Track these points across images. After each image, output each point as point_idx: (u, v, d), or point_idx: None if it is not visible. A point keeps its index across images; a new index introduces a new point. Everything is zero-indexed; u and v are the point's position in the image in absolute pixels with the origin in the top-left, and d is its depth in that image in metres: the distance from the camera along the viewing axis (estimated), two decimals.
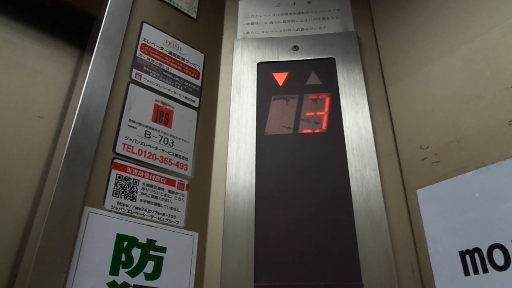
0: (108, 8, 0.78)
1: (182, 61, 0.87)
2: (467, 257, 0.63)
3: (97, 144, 0.66)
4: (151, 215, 0.69)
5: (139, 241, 0.65)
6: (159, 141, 0.76)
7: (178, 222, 0.72)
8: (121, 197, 0.66)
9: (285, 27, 0.99)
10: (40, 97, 0.84)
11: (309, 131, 0.83)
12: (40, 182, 0.76)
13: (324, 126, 0.83)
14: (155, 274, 0.65)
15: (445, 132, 0.72)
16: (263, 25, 1.00)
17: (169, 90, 0.82)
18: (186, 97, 0.84)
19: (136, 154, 0.71)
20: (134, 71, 0.78)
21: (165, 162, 0.75)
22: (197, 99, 0.86)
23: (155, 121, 0.77)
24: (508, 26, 0.69)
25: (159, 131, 0.76)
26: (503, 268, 0.58)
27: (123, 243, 0.63)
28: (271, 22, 1.00)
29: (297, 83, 0.89)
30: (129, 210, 0.66)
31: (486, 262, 0.60)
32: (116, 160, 0.68)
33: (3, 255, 0.67)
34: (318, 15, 1.00)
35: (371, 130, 0.81)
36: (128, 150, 0.71)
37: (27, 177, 0.75)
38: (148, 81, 0.79)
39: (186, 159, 0.78)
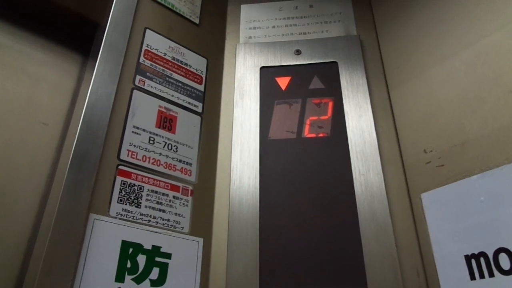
0: (112, 15, 0.79)
1: (185, 67, 0.88)
2: (473, 261, 0.62)
3: (102, 151, 0.67)
4: (156, 222, 0.69)
5: (144, 247, 0.66)
6: (163, 147, 0.76)
7: (182, 228, 0.72)
8: (126, 204, 0.67)
9: (287, 31, 0.99)
10: (44, 104, 0.84)
11: (313, 135, 0.83)
12: (44, 189, 0.76)
13: (327, 130, 0.83)
14: (160, 281, 0.65)
15: (449, 136, 0.72)
16: (266, 30, 1.00)
17: (172, 95, 0.82)
18: (189, 103, 0.84)
19: (140, 160, 0.71)
20: (138, 77, 0.78)
21: (169, 168, 0.75)
22: (200, 104, 0.86)
23: (159, 127, 0.77)
24: (511, 30, 0.68)
25: (163, 137, 0.77)
26: (509, 272, 0.58)
27: (128, 250, 0.64)
28: (273, 27, 1.00)
29: (300, 87, 0.89)
30: (134, 216, 0.67)
31: (492, 266, 0.60)
32: (120, 167, 0.69)
33: (9, 263, 0.67)
34: (320, 19, 1.00)
35: (375, 134, 0.81)
36: (133, 156, 0.71)
37: (32, 184, 0.75)
38: (151, 87, 0.79)
39: (190, 164, 0.78)
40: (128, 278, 0.62)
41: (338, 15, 1.00)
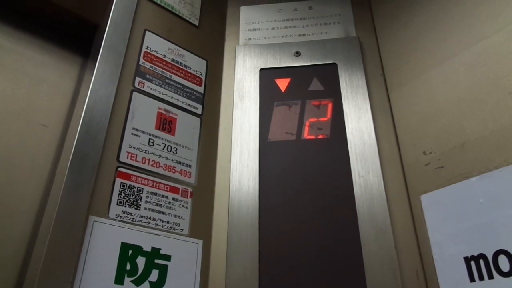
0: (111, 17, 0.79)
1: (185, 68, 0.88)
2: (472, 263, 0.62)
3: (101, 153, 0.67)
4: (155, 223, 0.69)
5: (144, 249, 0.66)
6: (163, 149, 0.76)
7: (182, 230, 0.72)
8: (125, 206, 0.67)
9: (286, 33, 0.99)
10: (44, 106, 0.84)
11: (312, 137, 0.83)
12: (44, 191, 0.76)
13: (327, 132, 0.83)
14: (160, 283, 0.65)
15: (448, 137, 0.72)
16: (265, 31, 1.00)
17: (172, 97, 0.82)
18: (189, 104, 0.84)
19: (140, 162, 0.72)
20: (137, 79, 0.78)
21: (169, 169, 0.75)
22: (200, 106, 0.86)
23: (159, 129, 0.77)
24: (511, 31, 0.68)
25: (162, 138, 0.77)
26: (509, 274, 0.58)
27: (128, 252, 0.64)
28: (273, 28, 1.00)
29: (300, 89, 0.89)
30: (133, 218, 0.67)
31: (491, 268, 0.60)
32: (120, 169, 0.69)
33: (9, 265, 0.67)
34: (320, 21, 1.00)
35: (374, 136, 0.81)
36: (132, 158, 0.71)
37: (32, 186, 0.75)
38: (151, 89, 0.79)
39: (190, 166, 0.79)
40: (127, 280, 0.62)
41: (337, 17, 1.00)
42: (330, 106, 0.86)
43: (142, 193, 0.70)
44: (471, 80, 0.72)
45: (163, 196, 0.72)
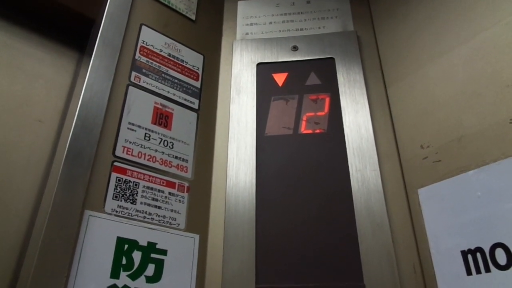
0: (107, 11, 0.78)
1: (181, 63, 0.87)
2: (469, 257, 0.62)
3: (97, 147, 0.66)
4: (151, 218, 0.69)
5: (140, 244, 0.65)
6: (159, 143, 0.76)
7: (178, 224, 0.72)
8: (121, 200, 0.66)
9: (284, 27, 0.99)
10: (40, 101, 0.84)
11: (309, 131, 0.83)
12: (40, 186, 0.76)
13: (324, 126, 0.83)
14: (156, 277, 0.65)
15: (446, 131, 0.72)
16: (262, 26, 1.00)
17: (168, 92, 0.81)
18: (185, 99, 0.84)
19: (136, 156, 0.71)
20: (133, 73, 0.78)
21: (165, 164, 0.75)
22: (196, 101, 0.86)
23: (155, 124, 0.77)
24: (509, 23, 0.68)
25: (158, 133, 0.76)
26: (506, 267, 0.58)
27: (124, 246, 0.63)
28: (270, 23, 1.00)
29: (297, 84, 0.89)
30: (129, 213, 0.66)
31: (488, 262, 0.60)
32: (116, 163, 0.68)
33: (4, 260, 0.67)
34: (317, 15, 0.99)
35: (372, 130, 0.81)
36: (128, 153, 0.70)
37: (27, 181, 0.75)
38: (147, 83, 0.79)
39: (186, 161, 0.78)
40: (123, 274, 0.62)
41: (335, 11, 0.99)
42: (327, 100, 0.86)
43: (138, 188, 0.69)
44: (468, 73, 0.72)
45: (159, 190, 0.72)
